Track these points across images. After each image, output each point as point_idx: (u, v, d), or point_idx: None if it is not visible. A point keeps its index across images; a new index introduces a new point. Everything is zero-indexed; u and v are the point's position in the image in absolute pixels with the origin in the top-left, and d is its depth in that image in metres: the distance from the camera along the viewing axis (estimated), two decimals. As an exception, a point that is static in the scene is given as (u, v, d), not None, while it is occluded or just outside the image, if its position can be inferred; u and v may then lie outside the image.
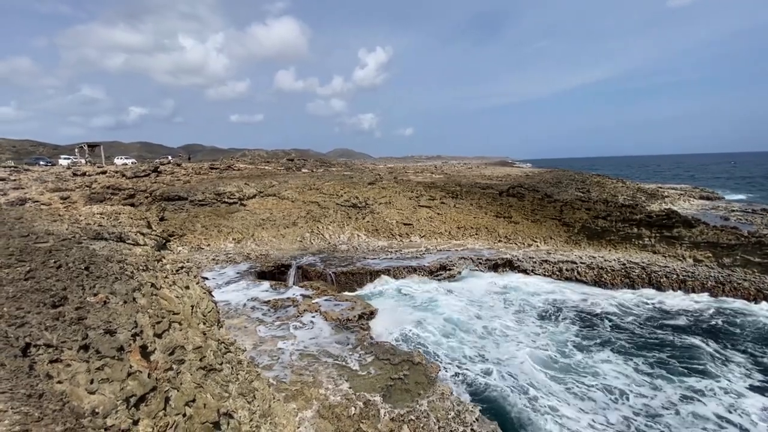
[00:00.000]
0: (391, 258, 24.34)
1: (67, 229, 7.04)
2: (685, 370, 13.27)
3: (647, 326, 16.52)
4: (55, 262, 5.14)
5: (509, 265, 23.54)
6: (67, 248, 5.84)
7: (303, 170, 48.00)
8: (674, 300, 18.96)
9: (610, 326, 16.68)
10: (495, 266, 23.54)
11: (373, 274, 22.00)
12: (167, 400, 4.31)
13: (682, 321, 16.91)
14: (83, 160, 46.50)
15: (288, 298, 17.97)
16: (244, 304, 17.27)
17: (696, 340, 15.16)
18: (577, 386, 12.45)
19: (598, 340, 15.42)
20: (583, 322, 17.08)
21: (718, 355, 14.23)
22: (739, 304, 18.14)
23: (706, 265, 20.80)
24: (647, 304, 18.77)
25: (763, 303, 18.06)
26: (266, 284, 20.22)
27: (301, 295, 18.52)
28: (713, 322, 16.66)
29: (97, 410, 3.43)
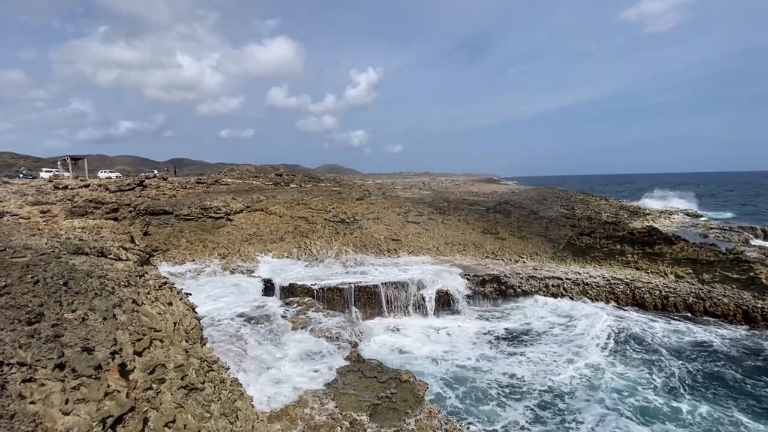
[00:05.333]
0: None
1: (46, 244, 6.88)
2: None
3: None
4: (32, 277, 5.01)
5: (496, 281, 23.63)
6: (46, 263, 5.70)
7: (291, 185, 47.81)
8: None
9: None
10: (482, 282, 23.60)
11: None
12: (146, 421, 4.17)
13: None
14: (66, 173, 45.43)
15: (274, 314, 17.66)
16: (229, 320, 16.89)
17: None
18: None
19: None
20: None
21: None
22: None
23: (687, 281, 21.22)
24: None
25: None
26: (252, 300, 19.85)
27: (287, 310, 18.23)
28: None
29: (71, 432, 3.30)
